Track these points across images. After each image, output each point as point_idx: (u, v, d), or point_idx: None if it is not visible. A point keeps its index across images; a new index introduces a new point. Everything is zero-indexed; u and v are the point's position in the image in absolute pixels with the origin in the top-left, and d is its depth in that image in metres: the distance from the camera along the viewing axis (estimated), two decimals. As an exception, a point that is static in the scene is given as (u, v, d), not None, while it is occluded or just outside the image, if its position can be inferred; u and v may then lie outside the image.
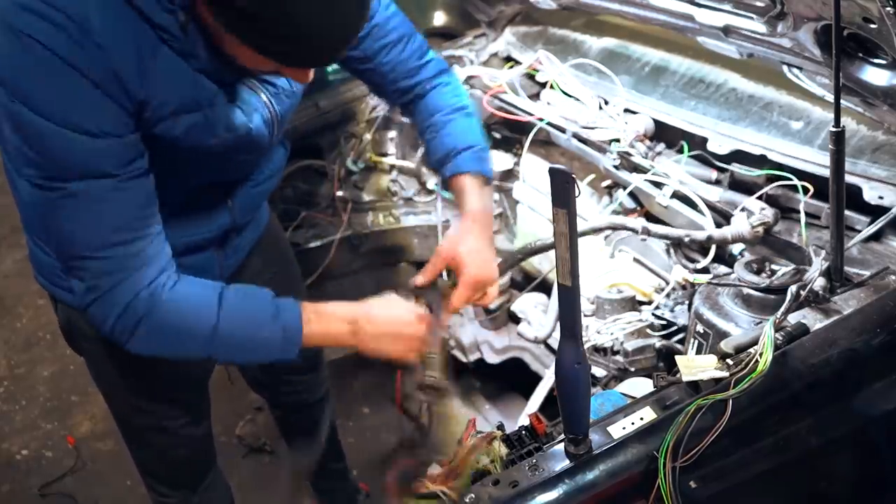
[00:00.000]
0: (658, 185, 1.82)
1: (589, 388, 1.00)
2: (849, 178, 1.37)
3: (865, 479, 1.27)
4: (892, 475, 1.28)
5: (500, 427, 1.13)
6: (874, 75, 1.37)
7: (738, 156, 1.73)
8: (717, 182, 1.77)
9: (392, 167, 2.56)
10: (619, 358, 1.64)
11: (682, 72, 2.04)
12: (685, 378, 1.08)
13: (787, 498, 1.20)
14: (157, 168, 1.18)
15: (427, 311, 1.34)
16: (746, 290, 1.38)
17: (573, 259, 0.88)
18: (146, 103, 1.10)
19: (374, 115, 2.52)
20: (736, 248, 1.63)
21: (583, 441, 1.02)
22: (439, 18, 2.87)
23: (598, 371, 1.67)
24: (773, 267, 1.42)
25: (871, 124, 1.59)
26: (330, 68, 1.95)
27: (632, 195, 1.88)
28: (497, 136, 2.51)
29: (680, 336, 1.63)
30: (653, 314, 1.69)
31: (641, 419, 1.07)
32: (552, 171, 0.84)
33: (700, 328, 1.41)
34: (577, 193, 0.83)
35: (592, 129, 2.00)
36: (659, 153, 1.90)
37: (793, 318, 1.23)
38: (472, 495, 0.99)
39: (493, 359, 2.36)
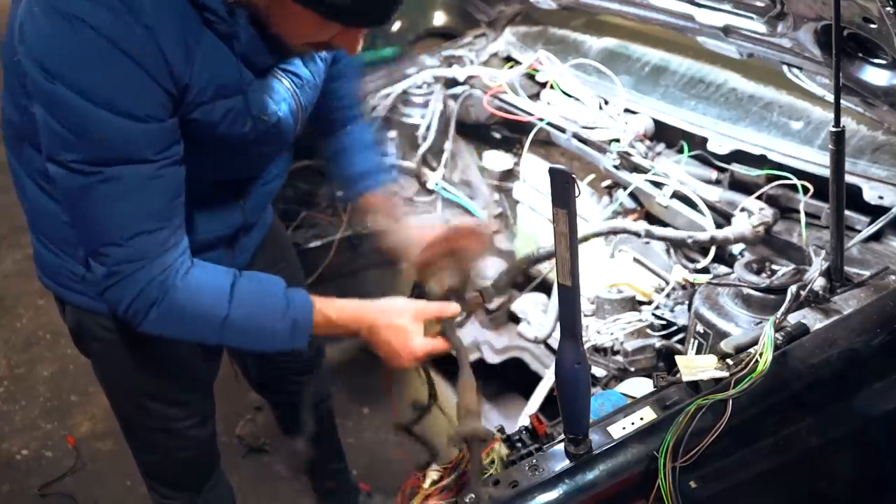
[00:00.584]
0: (658, 185, 1.82)
1: (589, 388, 1.00)
2: (849, 178, 1.37)
3: (865, 479, 1.27)
4: (892, 475, 1.28)
5: (500, 429, 1.13)
6: (874, 75, 1.37)
7: (738, 156, 1.73)
8: (717, 182, 1.77)
9: (392, 167, 2.56)
10: (619, 358, 1.64)
11: (682, 72, 2.04)
12: (685, 378, 1.08)
13: (787, 498, 1.20)
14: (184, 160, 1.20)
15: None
16: (746, 290, 1.38)
17: (573, 259, 0.88)
18: (190, 87, 1.11)
19: (374, 115, 2.52)
20: (736, 248, 1.63)
21: (583, 441, 1.02)
22: (439, 18, 2.87)
23: (598, 371, 1.66)
24: (773, 267, 1.42)
25: (871, 124, 1.59)
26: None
27: (632, 195, 1.88)
28: (497, 136, 2.51)
29: (680, 336, 1.63)
30: (653, 314, 1.69)
31: (641, 419, 1.07)
32: (552, 171, 0.84)
33: (700, 328, 1.41)
34: (577, 193, 0.83)
35: (592, 129, 2.00)
36: (659, 153, 1.90)
37: (793, 318, 1.23)
38: (472, 495, 0.99)
39: (493, 359, 2.36)
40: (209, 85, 1.13)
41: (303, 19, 1.09)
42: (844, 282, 1.31)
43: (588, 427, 1.02)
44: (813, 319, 1.23)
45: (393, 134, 2.57)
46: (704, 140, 1.80)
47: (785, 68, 1.62)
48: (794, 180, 1.57)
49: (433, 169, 2.53)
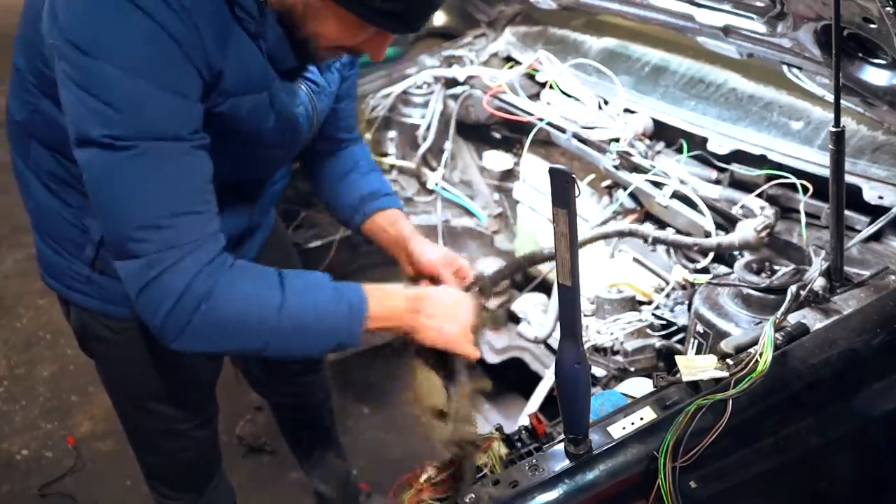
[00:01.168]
0: (658, 185, 1.82)
1: (589, 388, 1.00)
2: (849, 178, 1.37)
3: (865, 479, 1.27)
4: (892, 475, 1.28)
5: (499, 428, 1.13)
6: (874, 75, 1.37)
7: (738, 156, 1.73)
8: (717, 182, 1.77)
9: (392, 167, 2.57)
10: (619, 358, 1.64)
11: (682, 72, 2.04)
12: (685, 378, 1.08)
13: (787, 498, 1.20)
14: None
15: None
16: (746, 290, 1.38)
17: (573, 259, 0.88)
18: (223, 74, 1.11)
19: (374, 115, 2.52)
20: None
21: (583, 441, 1.02)
22: (439, 18, 2.87)
23: (598, 371, 1.66)
24: (773, 267, 1.42)
25: (871, 124, 1.59)
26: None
27: (632, 195, 1.88)
28: (497, 136, 2.51)
29: (680, 336, 1.63)
30: (653, 314, 1.69)
31: (641, 419, 1.07)
32: (552, 171, 0.84)
33: (700, 328, 1.41)
34: (577, 193, 0.83)
35: (592, 129, 2.00)
36: (658, 152, 1.90)
37: (793, 318, 1.23)
38: (472, 495, 0.99)
39: (493, 359, 2.36)
40: (240, 78, 1.14)
41: (339, 20, 1.10)
42: (844, 282, 1.31)
43: (588, 427, 1.02)
44: (813, 319, 1.23)
45: (393, 134, 2.57)
46: (704, 140, 1.80)
47: (785, 68, 1.62)
48: (794, 179, 1.57)
49: (433, 169, 2.53)
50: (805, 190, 1.54)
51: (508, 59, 2.48)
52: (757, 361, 1.05)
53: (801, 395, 1.13)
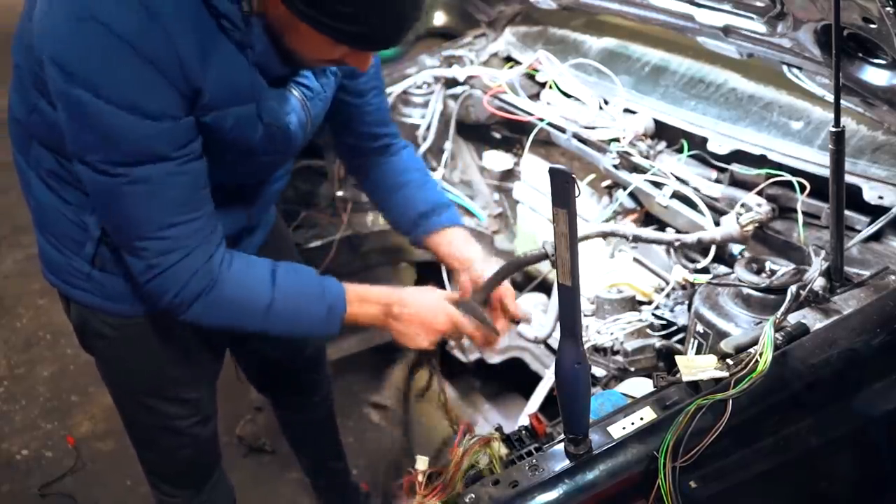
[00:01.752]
0: (658, 185, 1.82)
1: (589, 388, 1.00)
2: (849, 178, 1.37)
3: (865, 479, 1.27)
4: (892, 475, 1.28)
5: (499, 429, 1.12)
6: (874, 75, 1.37)
7: (738, 156, 1.73)
8: (717, 182, 1.77)
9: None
10: (619, 358, 1.64)
11: (682, 72, 2.04)
12: (685, 378, 1.08)
13: (787, 498, 1.20)
14: None
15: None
16: (746, 290, 1.38)
17: (573, 259, 0.88)
18: (202, 91, 1.12)
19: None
20: (736, 248, 1.63)
21: (583, 441, 1.01)
22: (439, 18, 2.87)
23: (598, 371, 1.66)
24: (773, 267, 1.42)
25: (871, 124, 1.59)
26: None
27: (632, 195, 1.88)
28: (497, 136, 2.51)
29: (680, 336, 1.63)
30: (653, 314, 1.69)
31: (641, 419, 1.07)
32: (552, 171, 0.84)
33: (700, 328, 1.41)
34: (577, 193, 0.83)
35: (592, 129, 2.00)
36: (660, 151, 1.90)
37: (793, 318, 1.23)
38: (472, 495, 0.99)
39: (493, 359, 2.36)
40: (222, 91, 1.15)
41: (313, 39, 1.12)
42: (844, 282, 1.31)
43: (588, 427, 1.02)
44: (813, 319, 1.23)
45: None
46: (704, 140, 1.80)
47: (785, 68, 1.62)
48: (789, 177, 1.56)
49: (433, 169, 2.53)
50: (802, 188, 1.54)
51: (508, 59, 2.48)
52: (757, 361, 1.05)
53: (801, 395, 1.13)
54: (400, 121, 2.55)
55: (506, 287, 1.50)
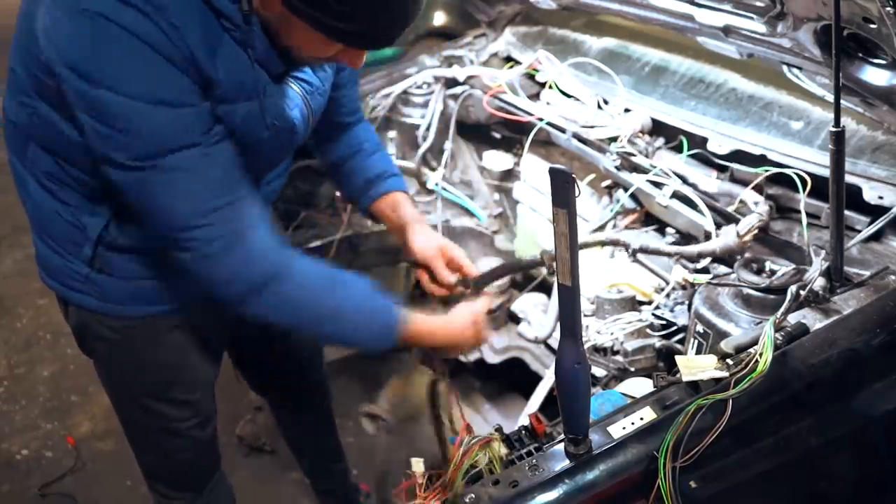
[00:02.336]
0: (658, 185, 1.82)
1: (589, 388, 1.00)
2: (849, 178, 1.37)
3: (865, 479, 1.26)
4: (892, 475, 1.28)
5: (499, 429, 1.12)
6: (874, 75, 1.37)
7: (738, 156, 1.73)
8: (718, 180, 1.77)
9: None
10: (619, 358, 1.63)
11: (682, 72, 2.04)
12: (685, 378, 1.08)
13: (787, 498, 1.20)
14: None
15: None
16: (746, 290, 1.38)
17: (573, 259, 0.88)
18: (214, 82, 1.13)
19: (374, 116, 2.52)
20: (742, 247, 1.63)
21: (583, 441, 1.01)
22: (439, 18, 2.87)
23: (598, 371, 1.66)
24: (773, 267, 1.42)
25: (871, 124, 1.59)
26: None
27: (632, 195, 1.88)
28: (497, 136, 2.51)
29: (680, 336, 1.63)
30: (653, 314, 1.69)
31: (641, 419, 1.07)
32: (552, 171, 0.84)
33: (700, 328, 1.41)
34: (577, 193, 0.83)
35: (592, 128, 2.00)
36: (658, 148, 1.90)
37: (793, 318, 1.23)
38: (472, 495, 0.99)
39: (493, 359, 2.36)
40: (231, 86, 1.16)
41: (309, 36, 1.13)
42: (844, 282, 1.31)
43: (588, 427, 1.02)
44: (813, 319, 1.23)
45: (393, 134, 2.57)
46: (704, 140, 1.80)
47: (785, 68, 1.62)
48: (790, 172, 1.55)
49: (433, 169, 2.53)
50: (804, 183, 1.53)
51: (508, 59, 2.48)
52: (757, 361, 1.05)
53: (801, 395, 1.13)
54: (400, 121, 2.55)
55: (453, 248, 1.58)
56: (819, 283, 1.28)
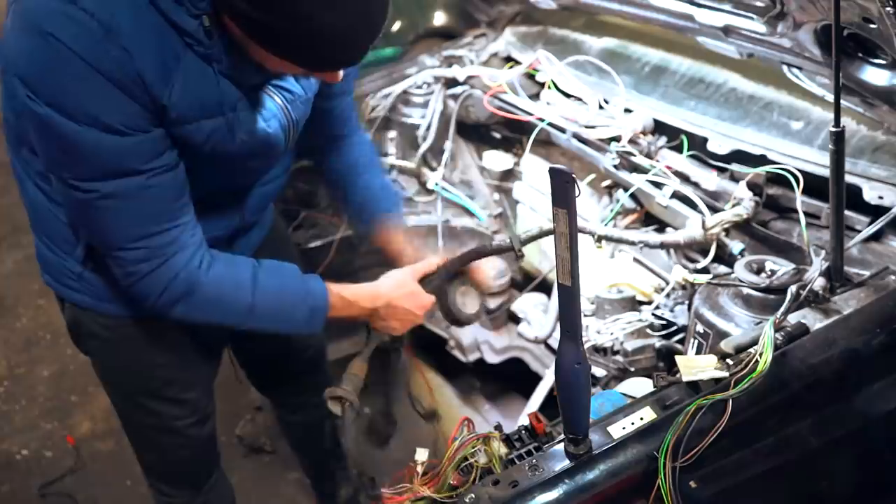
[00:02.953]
0: (658, 185, 1.82)
1: (589, 388, 1.00)
2: (849, 178, 1.37)
3: (865, 479, 1.26)
4: (892, 475, 1.28)
5: (499, 428, 1.13)
6: (874, 75, 1.37)
7: (739, 156, 1.73)
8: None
9: (392, 167, 2.56)
10: (619, 358, 1.64)
11: (682, 72, 2.04)
12: (685, 378, 1.08)
13: (787, 498, 1.20)
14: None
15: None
16: (746, 290, 1.38)
17: (573, 259, 0.88)
18: (168, 108, 1.12)
19: (374, 116, 2.52)
20: (736, 248, 1.63)
21: (583, 441, 1.02)
22: (439, 18, 2.86)
23: (598, 371, 1.66)
24: (773, 267, 1.42)
25: (871, 124, 1.59)
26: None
27: (632, 195, 1.88)
28: (497, 136, 2.51)
29: (680, 336, 1.63)
30: (653, 314, 1.69)
31: (641, 419, 1.07)
32: (552, 171, 0.84)
33: (700, 328, 1.41)
34: (577, 193, 0.83)
35: (592, 128, 2.00)
36: (660, 147, 1.90)
37: (792, 318, 1.23)
38: (472, 495, 0.99)
39: (493, 359, 2.36)
40: (191, 105, 1.14)
41: (272, 59, 1.13)
42: (844, 282, 1.31)
43: (588, 427, 1.02)
44: (813, 319, 1.23)
45: (393, 134, 2.57)
46: (704, 140, 1.80)
47: (785, 68, 1.62)
48: (783, 170, 1.55)
49: (433, 169, 2.52)
50: (797, 180, 1.52)
51: (508, 59, 2.48)
52: (757, 361, 1.05)
53: (801, 395, 1.13)
54: (400, 121, 2.55)
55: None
56: (819, 283, 1.28)
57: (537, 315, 2.17)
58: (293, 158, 1.58)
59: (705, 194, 1.73)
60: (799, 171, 1.54)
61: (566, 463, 1.01)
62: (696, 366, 1.09)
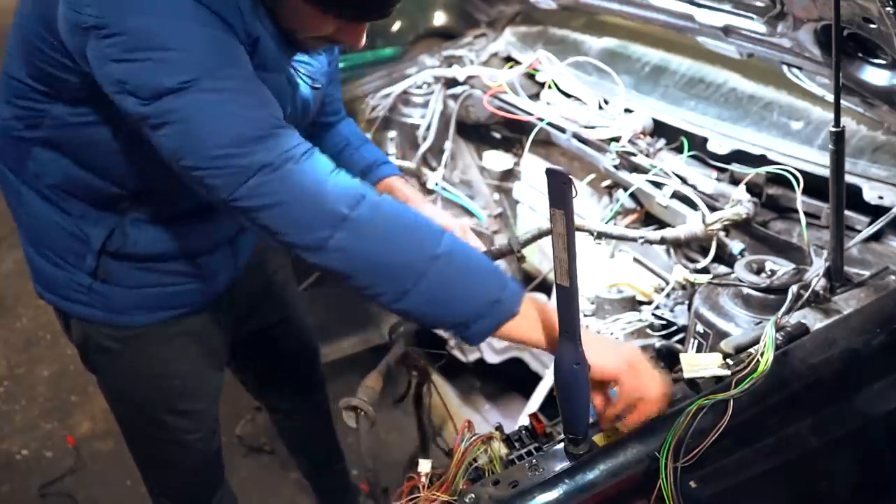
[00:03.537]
0: (658, 185, 1.81)
1: (589, 388, 1.00)
2: (849, 178, 1.37)
3: (865, 479, 1.26)
4: (892, 475, 1.28)
5: (499, 428, 1.13)
6: (874, 75, 1.37)
7: (739, 156, 1.72)
8: (718, 181, 1.77)
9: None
10: (619, 358, 1.63)
11: (682, 72, 2.04)
12: (686, 375, 1.08)
13: (788, 498, 1.20)
14: None
15: None
16: (746, 290, 1.38)
17: (571, 259, 0.88)
18: (259, 42, 1.12)
19: (374, 116, 2.52)
20: (736, 248, 1.63)
21: (583, 441, 1.02)
22: (439, 18, 2.86)
23: (598, 371, 1.66)
24: (773, 267, 1.42)
25: (871, 124, 1.59)
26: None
27: (632, 195, 1.88)
28: (497, 136, 2.51)
29: (680, 336, 1.63)
30: (653, 314, 1.69)
31: (641, 419, 1.06)
32: (549, 172, 0.84)
33: (700, 328, 1.41)
34: (574, 194, 0.83)
35: (592, 128, 2.00)
36: (660, 149, 1.90)
37: (793, 318, 1.23)
38: (472, 495, 0.99)
39: (493, 359, 2.36)
40: (268, 53, 1.15)
41: (304, 13, 1.12)
42: (844, 282, 1.31)
43: (588, 427, 1.02)
44: (813, 319, 1.23)
45: (393, 134, 2.57)
46: (704, 140, 1.80)
47: (785, 68, 1.62)
48: (783, 170, 1.55)
49: (433, 169, 2.53)
50: (797, 180, 1.52)
51: (508, 59, 2.48)
52: (758, 361, 1.05)
53: (801, 395, 1.13)
54: (400, 121, 2.55)
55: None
56: (819, 283, 1.27)
57: (537, 315, 2.17)
58: None
59: (704, 194, 1.73)
60: (799, 171, 1.54)
61: (566, 463, 1.01)
62: (699, 364, 1.09)
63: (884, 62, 1.34)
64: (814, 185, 1.53)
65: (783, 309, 1.22)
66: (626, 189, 1.87)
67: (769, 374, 1.04)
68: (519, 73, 2.26)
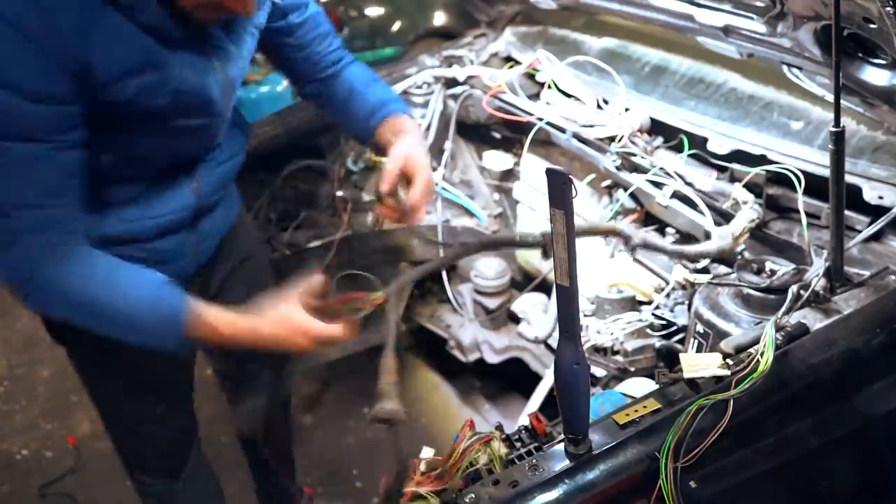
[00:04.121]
0: (658, 184, 1.81)
1: (588, 388, 0.99)
2: (849, 178, 1.37)
3: (865, 479, 1.26)
4: (893, 475, 1.28)
5: (499, 428, 1.12)
6: (874, 75, 1.37)
7: (739, 156, 1.73)
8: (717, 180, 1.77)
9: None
10: (619, 358, 1.63)
11: (682, 72, 2.04)
12: (686, 375, 1.08)
13: (788, 498, 1.20)
14: (117, 143, 1.22)
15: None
16: (746, 290, 1.38)
17: (571, 259, 0.88)
18: (92, 66, 1.10)
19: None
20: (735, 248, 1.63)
21: (583, 441, 1.01)
22: (439, 18, 2.87)
23: (598, 371, 1.66)
24: (773, 267, 1.42)
25: (871, 124, 1.59)
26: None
27: (632, 195, 1.88)
28: (497, 136, 2.51)
29: (680, 336, 1.63)
30: (653, 314, 1.69)
31: (644, 407, 1.06)
32: (549, 172, 0.84)
33: (700, 328, 1.41)
34: (574, 194, 0.83)
35: (591, 127, 2.00)
36: (657, 147, 1.89)
37: (793, 318, 1.23)
38: (472, 495, 0.99)
39: (493, 359, 2.36)
40: (115, 62, 1.13)
41: None
42: (844, 282, 1.31)
43: (588, 427, 1.02)
44: (813, 319, 1.23)
45: (393, 134, 2.56)
46: (704, 140, 1.80)
47: (785, 68, 1.62)
48: (785, 170, 1.55)
49: (433, 169, 2.53)
50: (799, 181, 1.52)
51: (508, 59, 2.48)
52: (758, 361, 1.05)
53: (801, 395, 1.13)
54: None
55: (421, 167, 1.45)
56: (819, 283, 1.27)
57: (537, 315, 2.17)
58: (246, 135, 1.58)
59: (703, 194, 1.73)
60: (799, 171, 1.54)
61: (566, 463, 1.01)
62: (699, 364, 1.09)
63: (884, 62, 1.34)
64: (814, 185, 1.53)
65: (783, 309, 1.22)
66: (626, 189, 1.87)
67: (769, 374, 1.04)
68: (519, 73, 2.27)
